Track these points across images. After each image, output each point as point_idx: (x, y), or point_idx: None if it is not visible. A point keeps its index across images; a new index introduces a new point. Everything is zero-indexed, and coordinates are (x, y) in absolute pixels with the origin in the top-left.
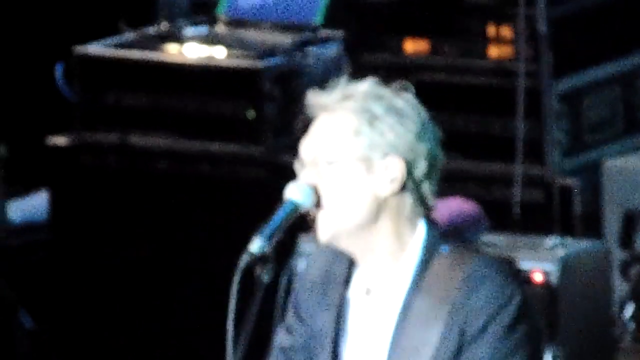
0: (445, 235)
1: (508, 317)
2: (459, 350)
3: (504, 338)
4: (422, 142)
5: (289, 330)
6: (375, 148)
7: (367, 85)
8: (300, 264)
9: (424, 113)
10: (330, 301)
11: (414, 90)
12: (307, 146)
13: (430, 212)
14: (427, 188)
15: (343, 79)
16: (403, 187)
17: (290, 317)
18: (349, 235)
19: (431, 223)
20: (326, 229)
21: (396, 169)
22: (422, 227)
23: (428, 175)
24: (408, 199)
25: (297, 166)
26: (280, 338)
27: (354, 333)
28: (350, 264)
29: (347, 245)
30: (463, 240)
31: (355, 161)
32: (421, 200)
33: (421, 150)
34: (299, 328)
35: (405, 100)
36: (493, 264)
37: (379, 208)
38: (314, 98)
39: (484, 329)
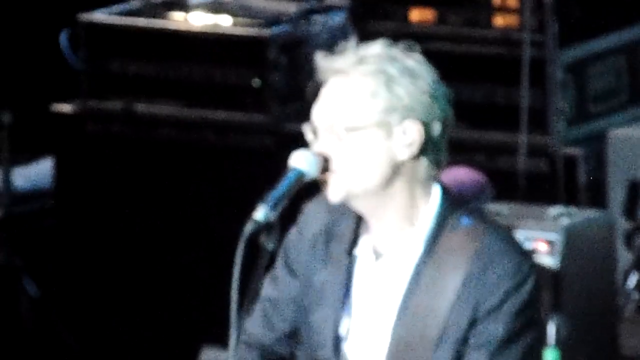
0: (459, 202)
1: (524, 295)
2: (472, 323)
3: (518, 316)
4: (436, 102)
5: (274, 282)
6: (393, 112)
7: (379, 47)
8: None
9: (433, 73)
10: (333, 257)
11: (420, 50)
12: (322, 112)
13: (440, 175)
14: (441, 149)
15: (352, 43)
16: (420, 150)
17: (278, 269)
18: (363, 197)
19: (444, 187)
20: (340, 190)
21: (414, 133)
22: (436, 191)
23: (442, 136)
24: (424, 162)
25: (308, 132)
26: (266, 289)
27: (361, 293)
28: (357, 222)
29: (360, 206)
30: (476, 209)
31: (374, 127)
32: (436, 163)
33: (436, 112)
34: (288, 281)
35: (416, 61)
36: (509, 239)
37: (396, 171)
38: (326, 62)
39: (499, 305)
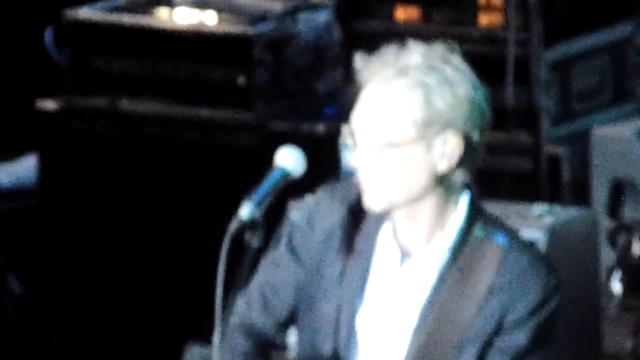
0: (483, 207)
1: (550, 309)
2: (497, 330)
3: (542, 330)
4: (475, 110)
5: (276, 266)
6: (432, 125)
7: (419, 56)
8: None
9: (472, 76)
10: (350, 252)
11: (460, 51)
12: (360, 122)
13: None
14: (479, 155)
15: (393, 47)
16: (459, 160)
17: (282, 254)
18: (401, 205)
19: (473, 191)
20: (380, 201)
21: (454, 145)
22: (465, 195)
23: (480, 142)
24: (461, 170)
25: (347, 136)
26: (266, 273)
27: (382, 291)
28: (377, 217)
29: (397, 212)
30: (500, 221)
31: (414, 142)
32: (472, 169)
33: (475, 120)
34: (292, 266)
35: (455, 68)
36: (538, 255)
37: (435, 181)
38: (365, 68)
39: (527, 317)
